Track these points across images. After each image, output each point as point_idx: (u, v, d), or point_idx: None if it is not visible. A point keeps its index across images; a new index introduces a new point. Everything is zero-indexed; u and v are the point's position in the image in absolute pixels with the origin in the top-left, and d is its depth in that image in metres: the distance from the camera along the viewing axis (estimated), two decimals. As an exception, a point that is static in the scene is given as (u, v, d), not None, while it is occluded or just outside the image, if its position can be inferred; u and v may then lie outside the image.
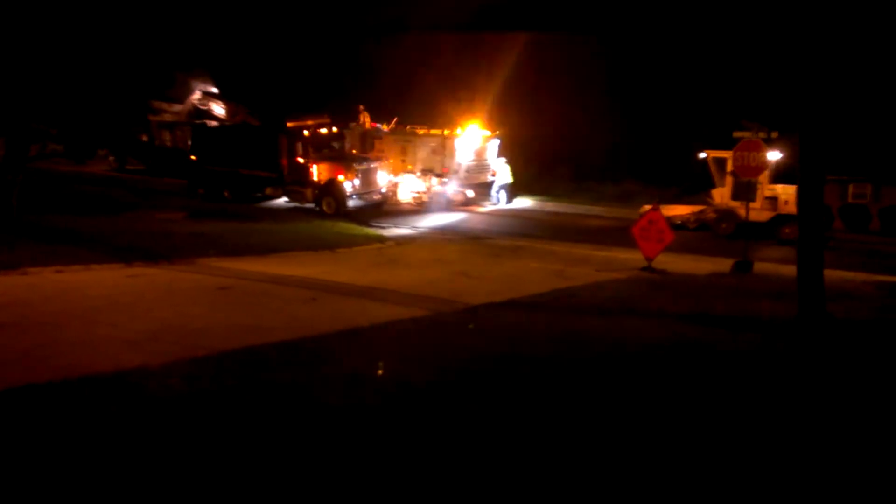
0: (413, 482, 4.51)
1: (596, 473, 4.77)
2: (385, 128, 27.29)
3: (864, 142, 25.60)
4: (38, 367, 6.36)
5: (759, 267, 15.24)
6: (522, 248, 17.86)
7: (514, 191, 28.91)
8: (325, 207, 22.65)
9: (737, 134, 16.64)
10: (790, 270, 10.55)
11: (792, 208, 20.79)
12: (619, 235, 19.20)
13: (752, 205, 20.86)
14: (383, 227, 20.72)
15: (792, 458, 5.20)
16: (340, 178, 22.65)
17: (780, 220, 21.21)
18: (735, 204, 21.79)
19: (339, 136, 25.11)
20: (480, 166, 27.07)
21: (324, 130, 24.25)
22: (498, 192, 28.02)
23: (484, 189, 27.57)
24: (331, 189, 22.73)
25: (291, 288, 11.09)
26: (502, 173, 28.09)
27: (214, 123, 31.67)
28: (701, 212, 22.72)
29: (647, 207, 22.15)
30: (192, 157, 25.92)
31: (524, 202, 29.89)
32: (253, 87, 35.78)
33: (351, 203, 22.65)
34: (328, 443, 5.01)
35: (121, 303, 9.30)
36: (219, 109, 31.76)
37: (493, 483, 4.56)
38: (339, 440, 5.06)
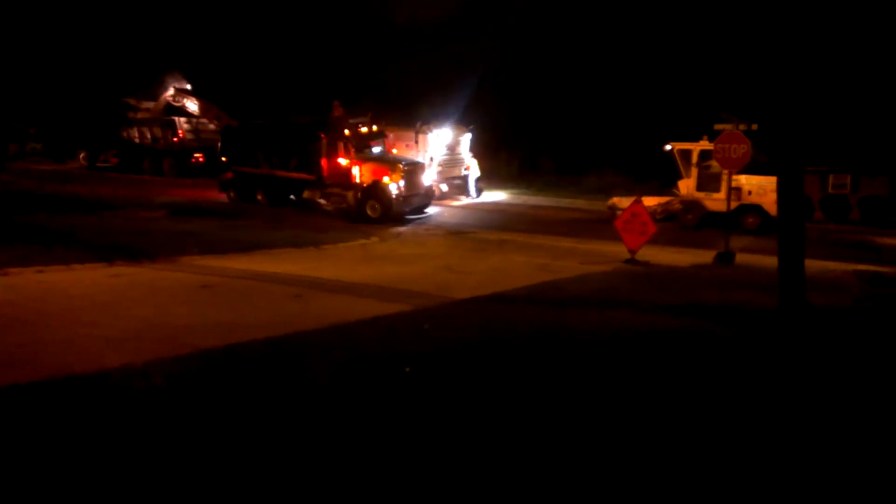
0: (407, 477, 4.52)
1: (572, 451, 4.82)
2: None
3: (843, 132, 25.86)
4: (21, 368, 6.29)
5: (741, 258, 15.39)
6: (506, 242, 17.88)
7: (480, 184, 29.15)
8: (369, 211, 21.04)
9: (718, 126, 16.72)
10: (771, 261, 10.65)
11: (755, 199, 21.09)
12: (601, 228, 19.29)
13: (716, 195, 21.26)
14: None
15: (769, 443, 5.25)
16: (385, 179, 21.00)
17: (744, 209, 21.42)
18: (700, 195, 22.13)
19: (381, 135, 23.27)
20: (454, 160, 27.16)
21: (364, 129, 22.58)
22: (474, 185, 28.21)
23: (457, 183, 27.68)
24: (375, 192, 21.06)
25: (276, 285, 11.03)
26: (474, 167, 28.29)
27: (188, 124, 31.55)
28: (668, 203, 22.94)
29: (615, 200, 22.58)
30: (223, 159, 24.65)
31: (502, 195, 30.00)
32: (225, 85, 35.63)
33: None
34: (317, 438, 5.00)
35: (103, 302, 9.21)
36: (192, 105, 31.62)
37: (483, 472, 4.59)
38: (329, 435, 5.06)
